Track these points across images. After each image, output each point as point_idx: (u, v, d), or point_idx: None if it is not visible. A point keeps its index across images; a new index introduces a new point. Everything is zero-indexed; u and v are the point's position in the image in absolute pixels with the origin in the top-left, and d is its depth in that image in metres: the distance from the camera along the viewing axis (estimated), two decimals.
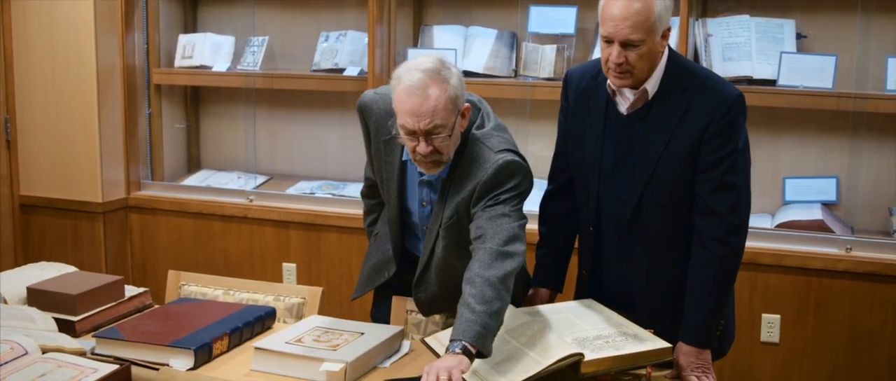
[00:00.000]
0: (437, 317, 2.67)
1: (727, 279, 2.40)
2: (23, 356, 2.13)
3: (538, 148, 4.00)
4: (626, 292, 2.52)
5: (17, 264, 4.40)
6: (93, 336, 2.46)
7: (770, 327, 3.69)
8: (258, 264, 4.46)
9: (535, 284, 2.71)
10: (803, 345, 3.68)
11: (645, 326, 2.37)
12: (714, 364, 2.43)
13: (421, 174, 2.47)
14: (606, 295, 2.55)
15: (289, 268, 4.40)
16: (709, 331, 2.38)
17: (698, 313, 2.37)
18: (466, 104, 2.39)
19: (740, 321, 3.35)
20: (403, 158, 2.50)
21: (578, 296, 2.65)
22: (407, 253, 2.65)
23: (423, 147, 2.32)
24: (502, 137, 2.44)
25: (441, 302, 2.60)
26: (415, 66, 2.34)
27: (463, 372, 2.08)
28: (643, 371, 2.20)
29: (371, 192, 2.74)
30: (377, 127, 2.54)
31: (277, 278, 4.40)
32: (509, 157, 2.38)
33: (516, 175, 2.38)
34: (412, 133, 2.32)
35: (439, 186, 2.47)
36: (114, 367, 2.09)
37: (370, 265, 2.75)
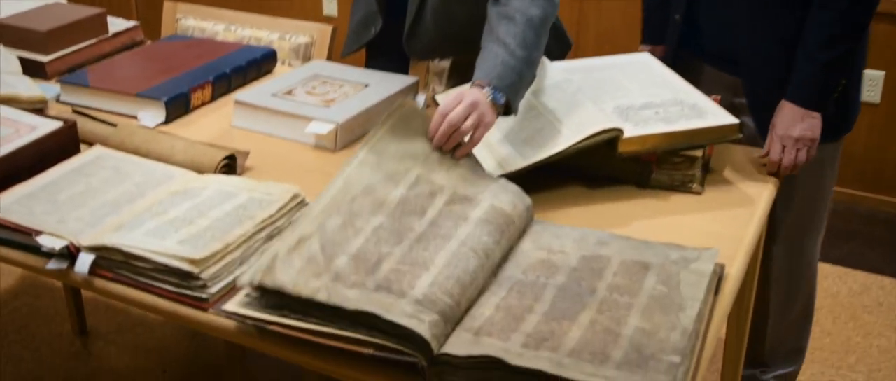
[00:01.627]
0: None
1: (853, 26, 1.84)
2: None
3: None
4: (728, 39, 2.01)
5: None
6: (57, 81, 2.12)
7: (871, 84, 3.18)
8: None
9: (647, 41, 2.21)
10: None
11: (751, 88, 1.96)
12: (837, 142, 2.03)
13: None
14: (704, 46, 2.07)
15: None
16: (821, 90, 1.87)
17: (810, 65, 1.86)
18: None
19: None
20: None
21: (669, 48, 2.13)
22: (399, 2, 2.15)
23: None
24: None
25: (441, 47, 2.14)
26: None
27: (489, 125, 1.61)
28: (699, 153, 1.68)
29: None
30: None
31: (317, 4, 3.98)
32: None
33: None
34: None
35: None
36: (56, 125, 1.75)
37: (357, 19, 2.25)
